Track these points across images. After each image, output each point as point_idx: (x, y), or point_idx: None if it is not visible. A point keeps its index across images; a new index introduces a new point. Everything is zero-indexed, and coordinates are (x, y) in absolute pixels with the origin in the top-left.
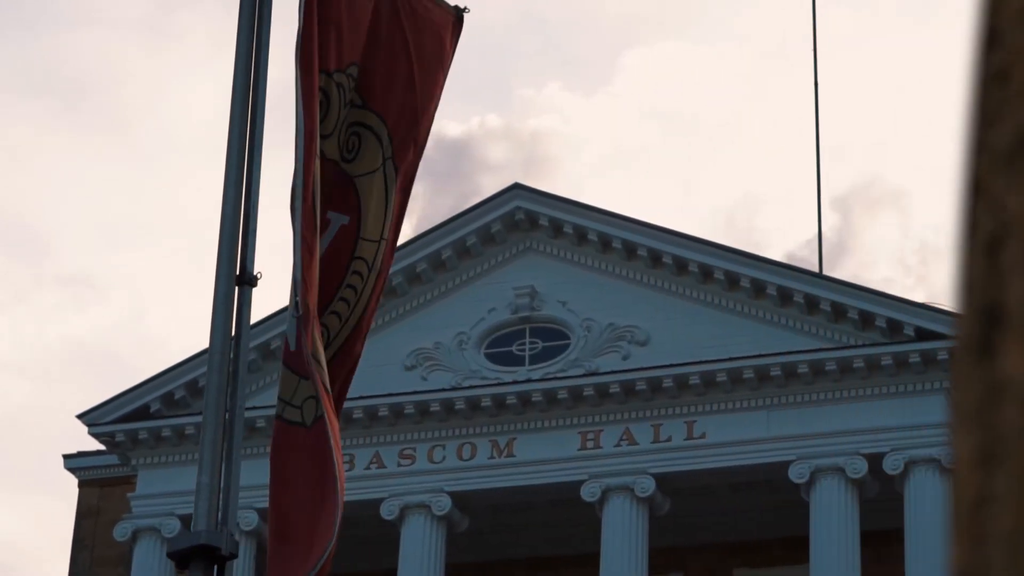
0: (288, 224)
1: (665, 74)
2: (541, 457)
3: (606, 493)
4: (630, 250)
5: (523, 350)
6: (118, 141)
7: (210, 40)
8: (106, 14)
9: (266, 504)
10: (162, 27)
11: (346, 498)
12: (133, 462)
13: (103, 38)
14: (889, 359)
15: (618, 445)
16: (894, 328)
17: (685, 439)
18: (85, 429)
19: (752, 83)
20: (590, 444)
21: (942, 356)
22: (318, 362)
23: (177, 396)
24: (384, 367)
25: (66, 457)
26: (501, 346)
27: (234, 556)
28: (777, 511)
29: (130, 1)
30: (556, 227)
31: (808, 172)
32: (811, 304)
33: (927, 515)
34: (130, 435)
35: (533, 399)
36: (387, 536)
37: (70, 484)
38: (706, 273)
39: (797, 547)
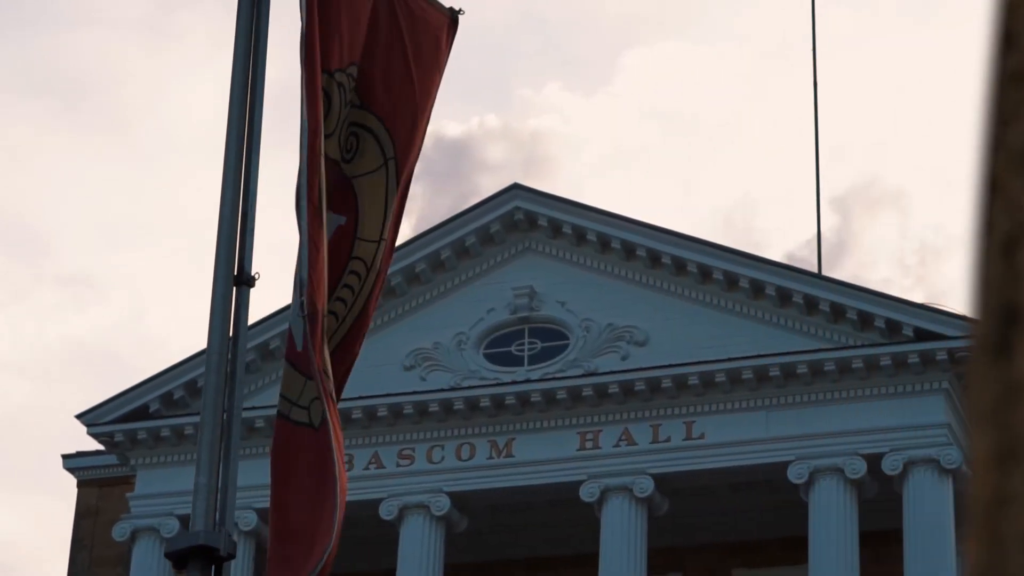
0: (286, 224)
1: (665, 74)
2: (540, 457)
3: (605, 493)
4: (629, 250)
5: (522, 350)
6: (118, 141)
7: (210, 40)
8: (106, 14)
9: (265, 504)
10: (162, 27)
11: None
12: (132, 462)
13: (103, 38)
14: (888, 359)
15: (617, 445)
16: (893, 328)
17: (684, 439)
18: (84, 429)
19: (752, 83)
20: (589, 444)
21: (941, 356)
22: (326, 373)
23: (176, 396)
24: (383, 367)
25: (65, 457)
26: (500, 346)
27: (232, 556)
28: (776, 511)
29: (130, 1)
30: (555, 227)
31: (807, 172)
32: (810, 304)
33: (926, 515)
34: (129, 435)
35: (532, 399)
36: (386, 536)
37: (69, 484)
38: (705, 273)
39: (796, 547)
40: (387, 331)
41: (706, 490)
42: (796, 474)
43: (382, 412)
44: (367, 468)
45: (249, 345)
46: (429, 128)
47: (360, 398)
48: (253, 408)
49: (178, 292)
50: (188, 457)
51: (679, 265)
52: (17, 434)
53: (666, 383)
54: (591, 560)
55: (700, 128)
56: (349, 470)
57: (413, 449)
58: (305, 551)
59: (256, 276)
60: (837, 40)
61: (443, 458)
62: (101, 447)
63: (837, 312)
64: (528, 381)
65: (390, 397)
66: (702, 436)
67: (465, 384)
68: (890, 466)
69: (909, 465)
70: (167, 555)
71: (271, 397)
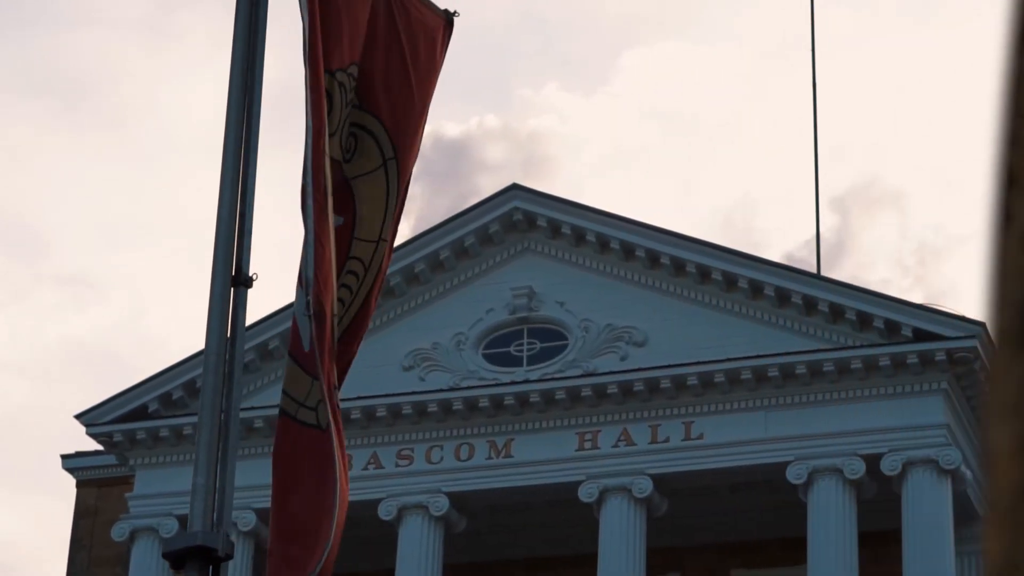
0: (285, 224)
1: (664, 74)
2: (539, 458)
3: (604, 494)
4: (628, 251)
5: (521, 351)
6: (117, 141)
7: (209, 40)
8: (106, 14)
9: (264, 505)
10: (162, 27)
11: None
12: (131, 462)
13: (103, 38)
14: (887, 360)
15: (616, 446)
16: (892, 329)
17: (683, 440)
18: (83, 429)
19: (751, 83)
20: (588, 445)
21: (940, 357)
22: (330, 375)
23: (175, 396)
24: (382, 367)
25: (64, 457)
26: (499, 346)
27: (230, 557)
28: (775, 512)
29: (130, 1)
30: (554, 228)
31: (807, 172)
32: (809, 305)
33: (925, 516)
34: (128, 435)
35: (531, 400)
36: (385, 536)
37: (68, 484)
38: (704, 274)
39: (795, 548)
40: (386, 331)
41: (705, 490)
42: (795, 474)
43: (381, 412)
44: (366, 468)
45: (247, 345)
46: (428, 128)
47: (359, 398)
48: (251, 408)
49: (177, 292)
50: (187, 457)
51: (678, 265)
52: (17, 434)
53: (665, 383)
54: (590, 560)
55: (700, 128)
56: (348, 470)
57: (412, 449)
58: (306, 551)
59: (254, 277)
60: (836, 40)
61: (442, 458)
62: (100, 447)
63: (836, 312)
64: (527, 381)
65: (389, 397)
66: (701, 436)
67: (464, 384)
68: (889, 466)
69: (908, 465)
70: (165, 555)
71: (269, 397)
